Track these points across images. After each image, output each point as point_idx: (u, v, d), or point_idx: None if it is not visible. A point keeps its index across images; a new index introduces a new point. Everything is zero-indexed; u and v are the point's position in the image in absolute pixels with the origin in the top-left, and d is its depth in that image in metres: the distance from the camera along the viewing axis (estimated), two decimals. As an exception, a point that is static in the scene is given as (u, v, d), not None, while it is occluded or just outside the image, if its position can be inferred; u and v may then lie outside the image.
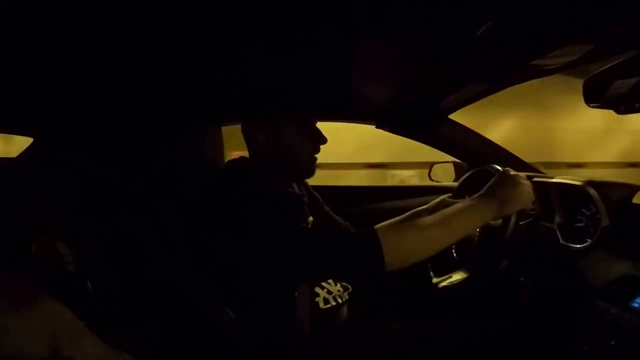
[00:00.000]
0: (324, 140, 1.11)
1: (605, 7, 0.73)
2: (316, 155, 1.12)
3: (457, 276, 1.48)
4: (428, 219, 0.98)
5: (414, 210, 1.33)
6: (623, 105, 0.78)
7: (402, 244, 0.94)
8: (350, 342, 1.14)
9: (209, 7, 0.72)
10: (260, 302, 1.04)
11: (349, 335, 1.16)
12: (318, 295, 1.13)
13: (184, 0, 0.69)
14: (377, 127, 1.93)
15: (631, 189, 1.05)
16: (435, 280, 1.52)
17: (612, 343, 0.92)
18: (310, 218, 1.21)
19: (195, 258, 1.06)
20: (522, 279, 1.27)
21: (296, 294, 1.05)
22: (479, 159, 1.65)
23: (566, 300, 1.12)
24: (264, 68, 1.15)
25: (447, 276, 1.50)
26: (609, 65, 0.83)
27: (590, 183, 1.10)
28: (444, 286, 1.48)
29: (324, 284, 1.16)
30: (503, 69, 1.18)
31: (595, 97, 0.85)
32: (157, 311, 1.12)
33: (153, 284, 1.10)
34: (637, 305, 0.90)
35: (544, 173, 1.57)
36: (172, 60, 1.02)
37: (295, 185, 1.19)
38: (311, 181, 1.26)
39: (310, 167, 1.13)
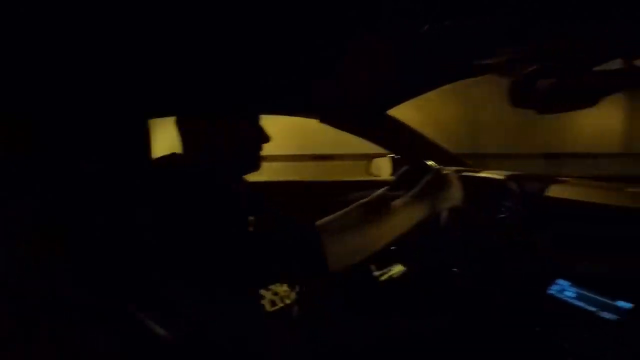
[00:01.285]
0: (266, 139, 1.07)
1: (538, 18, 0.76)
2: (260, 152, 1.08)
3: (396, 269, 1.54)
4: (367, 219, 1.00)
5: (354, 205, 1.34)
6: (543, 105, 0.82)
7: (344, 245, 0.96)
8: (301, 341, 1.14)
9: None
10: (206, 306, 1.01)
11: (299, 335, 1.16)
12: (263, 297, 1.12)
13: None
14: (320, 121, 1.92)
15: (546, 182, 1.11)
16: (376, 273, 1.57)
17: (537, 329, 0.98)
18: (251, 217, 1.19)
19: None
20: (455, 269, 1.32)
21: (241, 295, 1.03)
22: (414, 153, 1.69)
23: (495, 288, 1.18)
24: (205, 64, 1.09)
25: (387, 269, 1.56)
26: (531, 68, 0.87)
27: (511, 177, 1.16)
28: (384, 279, 1.54)
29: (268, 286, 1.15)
30: (440, 68, 1.20)
31: (519, 97, 0.89)
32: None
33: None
34: (552, 292, 0.96)
35: (471, 166, 1.63)
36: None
37: (235, 182, 1.15)
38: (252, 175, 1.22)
39: (253, 163, 1.09)
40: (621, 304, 0.83)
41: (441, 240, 1.24)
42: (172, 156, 1.06)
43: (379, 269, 1.57)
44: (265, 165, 1.13)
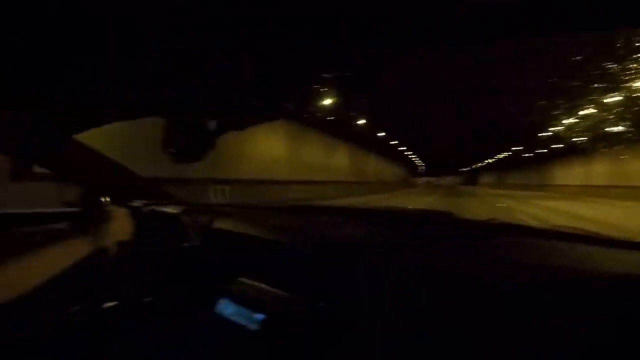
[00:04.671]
0: None
1: None
2: None
3: (85, 306, 1.43)
4: (19, 256, 0.89)
5: None
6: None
7: None
8: None
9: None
10: None
11: None
12: None
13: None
14: None
15: (212, 214, 1.24)
16: (69, 310, 1.43)
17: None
18: None
19: None
20: (146, 299, 1.33)
21: None
22: (93, 185, 1.54)
23: (178, 314, 1.23)
24: None
25: (75, 307, 1.44)
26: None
27: (185, 211, 1.25)
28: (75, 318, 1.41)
29: None
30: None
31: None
32: None
33: None
34: (219, 310, 1.09)
35: (167, 194, 1.64)
36: None
37: None
38: None
39: None
40: (258, 315, 1.00)
41: (114, 274, 1.22)
42: None
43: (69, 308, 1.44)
44: None
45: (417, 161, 66.70)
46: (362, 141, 27.80)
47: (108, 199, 1.12)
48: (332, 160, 23.95)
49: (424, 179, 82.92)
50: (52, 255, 0.94)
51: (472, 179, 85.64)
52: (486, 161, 61.08)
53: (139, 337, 1.32)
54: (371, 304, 0.89)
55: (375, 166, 37.19)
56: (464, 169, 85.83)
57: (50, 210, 1.69)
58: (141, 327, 1.33)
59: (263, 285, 1.06)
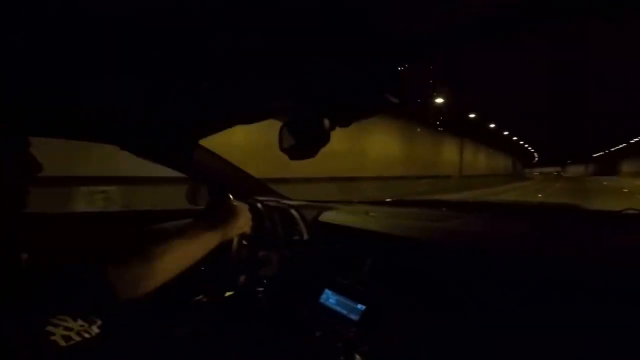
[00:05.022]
0: (38, 167, 0.98)
1: None
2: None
3: (208, 293, 1.63)
4: (158, 249, 1.04)
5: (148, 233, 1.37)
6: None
7: (129, 276, 0.97)
8: None
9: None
10: None
11: None
12: (53, 334, 1.05)
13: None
14: (121, 149, 1.85)
15: (319, 209, 1.33)
16: (195, 298, 1.64)
17: (319, 334, 1.15)
18: (25, 255, 1.12)
19: None
20: (259, 288, 1.47)
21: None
22: (218, 183, 1.77)
23: (290, 301, 1.35)
24: None
25: (200, 295, 1.64)
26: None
27: (292, 206, 1.35)
28: (198, 303, 1.62)
29: (57, 321, 1.09)
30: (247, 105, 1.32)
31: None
32: None
33: None
34: (322, 300, 1.17)
35: (278, 193, 1.80)
36: None
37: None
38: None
39: (19, 193, 0.97)
40: (360, 306, 1.06)
41: (240, 263, 1.37)
42: None
43: (193, 294, 1.64)
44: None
45: (532, 150, 59.05)
46: (474, 134, 26.40)
47: (231, 196, 1.25)
48: (444, 155, 23.30)
49: (540, 170, 73.63)
50: (184, 247, 1.05)
51: (607, 167, 68.05)
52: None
53: (251, 324, 1.47)
54: (486, 296, 0.88)
55: (488, 160, 35.07)
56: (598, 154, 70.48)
57: (181, 208, 1.97)
58: (254, 314, 1.48)
59: (366, 277, 1.12)
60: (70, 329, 1.08)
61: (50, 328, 1.03)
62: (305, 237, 1.32)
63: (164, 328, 1.51)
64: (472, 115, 20.56)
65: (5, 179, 0.95)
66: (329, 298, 1.17)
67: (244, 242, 1.31)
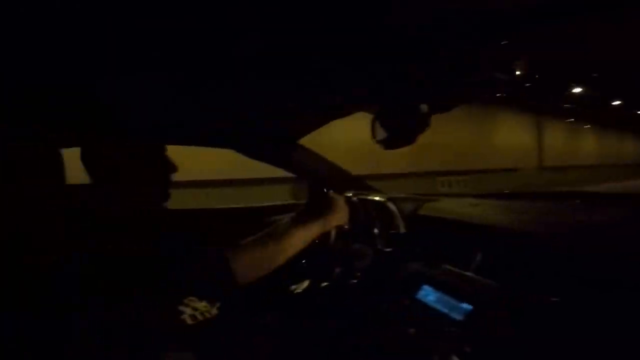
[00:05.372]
0: (173, 169, 1.13)
1: None
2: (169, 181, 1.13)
3: (306, 283, 1.63)
4: (270, 239, 1.08)
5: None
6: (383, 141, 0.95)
7: (247, 260, 1.03)
8: (219, 354, 1.20)
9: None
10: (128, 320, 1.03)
11: (218, 347, 1.22)
12: (183, 312, 1.16)
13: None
14: (237, 152, 1.99)
15: (418, 203, 1.24)
16: (292, 287, 1.66)
17: (412, 331, 1.09)
18: (166, 242, 1.23)
19: None
20: (353, 281, 1.43)
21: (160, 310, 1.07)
22: (317, 178, 1.79)
23: (383, 296, 1.29)
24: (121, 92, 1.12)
25: (299, 284, 1.65)
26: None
27: (390, 199, 1.29)
28: (298, 292, 1.62)
29: (186, 301, 1.20)
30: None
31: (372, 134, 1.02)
32: None
33: None
34: (419, 297, 1.08)
35: (372, 188, 1.77)
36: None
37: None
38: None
39: (163, 192, 1.14)
40: (465, 305, 0.95)
41: (335, 256, 1.34)
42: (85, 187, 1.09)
43: (293, 283, 1.66)
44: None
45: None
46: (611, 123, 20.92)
47: (330, 191, 1.24)
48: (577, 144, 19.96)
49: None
50: (290, 238, 1.09)
51: None
52: None
53: (345, 315, 1.43)
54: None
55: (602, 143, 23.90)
56: None
57: (282, 203, 2.05)
58: (349, 306, 1.44)
59: (470, 274, 1.01)
60: (196, 309, 1.17)
61: (181, 307, 1.13)
62: (403, 230, 1.24)
63: (259, 313, 1.55)
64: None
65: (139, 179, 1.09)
66: (428, 295, 1.08)
67: (341, 235, 1.29)
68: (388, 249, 1.30)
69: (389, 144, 1.00)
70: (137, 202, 1.12)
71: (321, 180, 1.79)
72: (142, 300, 1.00)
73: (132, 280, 0.97)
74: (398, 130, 0.97)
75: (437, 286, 1.06)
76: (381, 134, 1.03)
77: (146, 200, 1.16)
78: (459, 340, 0.93)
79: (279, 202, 2.12)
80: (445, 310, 0.99)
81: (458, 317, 0.95)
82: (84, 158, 1.09)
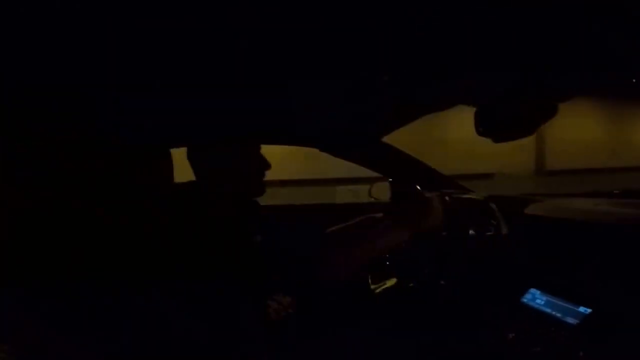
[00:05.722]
0: (268, 166, 1.19)
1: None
2: (263, 178, 1.19)
3: (389, 282, 1.59)
4: (356, 238, 1.07)
5: (352, 222, 1.42)
6: (497, 134, 0.90)
7: (342, 257, 1.03)
8: (302, 350, 1.21)
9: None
10: (216, 311, 1.08)
11: (300, 343, 1.23)
12: (270, 307, 1.19)
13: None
14: (320, 150, 2.01)
15: (522, 202, 1.17)
16: (372, 287, 1.63)
17: (511, 336, 1.02)
18: (258, 237, 1.27)
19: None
20: (442, 282, 1.37)
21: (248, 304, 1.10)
22: (408, 177, 1.76)
23: (478, 298, 1.22)
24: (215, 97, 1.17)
25: (382, 283, 1.61)
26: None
27: (491, 197, 1.22)
28: (379, 292, 1.59)
29: (275, 297, 1.23)
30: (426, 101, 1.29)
31: (478, 126, 0.97)
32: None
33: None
34: (525, 300, 1.01)
35: (463, 187, 1.70)
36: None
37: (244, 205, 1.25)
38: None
39: (257, 189, 1.20)
40: (582, 309, 0.87)
41: (426, 256, 1.30)
42: (192, 183, 1.18)
43: (375, 283, 1.63)
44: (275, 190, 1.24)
45: None
46: None
47: (421, 189, 1.21)
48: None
49: None
50: (378, 240, 1.06)
51: None
52: None
53: (427, 318, 1.37)
54: None
55: None
56: None
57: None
58: (437, 308, 1.38)
59: (590, 277, 0.93)
60: (282, 304, 1.21)
61: (269, 302, 1.17)
62: (504, 231, 1.17)
63: (341, 311, 1.54)
64: None
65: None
66: (536, 298, 1.00)
67: (434, 235, 1.25)
68: (485, 251, 1.23)
69: (501, 135, 0.95)
70: (237, 198, 1.17)
71: (409, 179, 1.75)
72: (234, 292, 1.04)
73: (226, 272, 1.01)
74: (517, 120, 0.91)
75: (548, 289, 0.99)
76: (490, 125, 0.98)
77: (245, 196, 1.22)
78: (571, 345, 0.86)
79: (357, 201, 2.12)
80: (558, 315, 0.92)
81: (573, 321, 0.88)
82: (191, 157, 1.17)
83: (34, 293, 0.95)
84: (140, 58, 0.82)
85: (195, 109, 1.21)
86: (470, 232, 1.30)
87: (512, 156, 5.21)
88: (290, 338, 1.23)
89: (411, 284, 1.49)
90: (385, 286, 1.58)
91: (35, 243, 0.90)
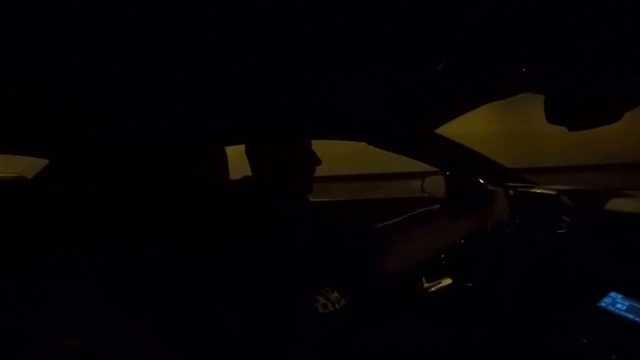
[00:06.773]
0: (318, 162, 1.18)
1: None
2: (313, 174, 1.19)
3: (445, 282, 1.51)
4: (413, 233, 1.02)
5: (405, 217, 1.36)
6: (573, 121, 0.81)
7: (395, 253, 0.98)
8: (348, 346, 1.17)
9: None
10: (267, 304, 1.07)
11: (347, 339, 1.19)
12: (317, 301, 1.16)
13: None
14: (368, 144, 1.95)
15: (600, 196, 1.06)
16: (426, 285, 1.55)
17: (584, 341, 0.92)
18: (307, 232, 1.25)
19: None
20: (505, 282, 1.28)
21: (297, 297, 1.08)
22: (465, 170, 1.66)
23: (544, 301, 1.12)
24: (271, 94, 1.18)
25: (436, 282, 1.53)
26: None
27: (564, 192, 1.11)
28: (434, 291, 1.51)
29: (322, 291, 1.20)
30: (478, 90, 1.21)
31: (551, 114, 0.88)
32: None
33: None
34: (604, 305, 0.91)
35: (528, 180, 1.58)
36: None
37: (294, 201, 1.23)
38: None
39: (308, 184, 1.19)
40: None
41: (488, 254, 1.20)
42: (248, 178, 1.19)
43: (428, 281, 1.55)
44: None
45: None
46: None
47: (484, 182, 1.13)
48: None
49: None
50: (436, 235, 1.02)
51: None
52: None
53: (492, 321, 1.28)
54: None
55: None
56: None
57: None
58: (499, 312, 1.28)
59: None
60: (329, 299, 1.18)
61: (316, 296, 1.15)
62: (579, 229, 1.06)
63: (390, 309, 1.47)
64: None
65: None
66: (616, 303, 0.89)
67: (498, 232, 1.16)
68: (555, 251, 1.12)
69: (578, 124, 0.85)
70: (290, 193, 1.17)
71: (468, 172, 1.64)
72: (283, 287, 1.02)
73: (276, 267, 0.99)
74: (598, 107, 0.81)
75: (632, 294, 0.88)
76: (557, 114, 0.89)
77: (297, 191, 1.20)
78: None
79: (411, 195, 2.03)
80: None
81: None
82: (249, 153, 1.19)
83: (106, 286, 0.99)
84: (207, 58, 0.82)
85: (250, 107, 1.22)
86: (539, 229, 1.20)
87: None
88: (338, 333, 1.19)
89: (469, 284, 1.40)
90: (440, 285, 1.50)
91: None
